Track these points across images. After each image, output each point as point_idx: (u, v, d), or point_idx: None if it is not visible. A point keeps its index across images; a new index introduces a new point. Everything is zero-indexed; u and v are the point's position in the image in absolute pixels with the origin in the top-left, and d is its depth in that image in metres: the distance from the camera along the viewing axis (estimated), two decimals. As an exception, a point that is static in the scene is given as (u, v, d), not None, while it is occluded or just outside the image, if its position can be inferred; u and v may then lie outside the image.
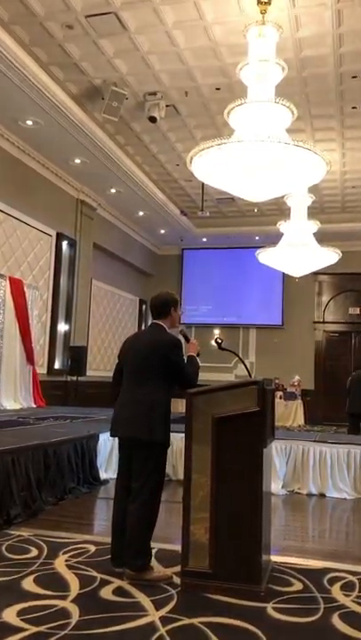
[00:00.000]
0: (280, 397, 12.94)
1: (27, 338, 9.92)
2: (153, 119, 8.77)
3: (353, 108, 8.81)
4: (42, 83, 8.02)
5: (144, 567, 3.39)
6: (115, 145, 10.31)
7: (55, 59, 7.78)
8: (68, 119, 8.96)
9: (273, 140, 5.61)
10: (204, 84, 8.31)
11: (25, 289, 9.97)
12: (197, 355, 3.76)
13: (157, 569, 3.48)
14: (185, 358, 3.63)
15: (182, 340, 3.70)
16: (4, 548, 3.93)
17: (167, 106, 8.81)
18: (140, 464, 3.47)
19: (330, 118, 9.17)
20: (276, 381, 13.18)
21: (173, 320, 3.73)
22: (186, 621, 2.84)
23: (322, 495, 6.13)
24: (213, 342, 4.11)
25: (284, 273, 12.88)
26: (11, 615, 2.85)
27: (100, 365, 13.51)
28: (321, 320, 15.58)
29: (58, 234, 11.26)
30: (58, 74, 8.15)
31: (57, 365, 11.22)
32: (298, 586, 3.40)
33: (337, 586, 3.42)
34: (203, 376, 3.69)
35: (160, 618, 2.88)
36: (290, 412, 12.94)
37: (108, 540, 4.01)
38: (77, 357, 11.46)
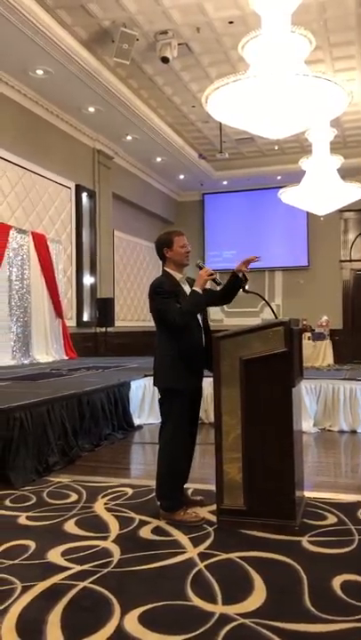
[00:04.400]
0: (308, 338, 12.89)
1: (54, 292, 10.02)
2: (165, 59, 8.48)
3: (374, 32, 8.37)
4: (49, 29, 7.78)
5: (171, 508, 3.48)
6: (128, 89, 10.03)
7: (61, 1, 7.51)
8: (78, 66, 8.72)
9: (291, 73, 5.39)
10: (217, 18, 7.95)
11: (48, 243, 9.99)
12: (217, 282, 3.62)
13: (192, 510, 3.55)
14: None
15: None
16: (45, 494, 4.09)
17: (179, 44, 8.48)
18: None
19: (350, 45, 8.73)
20: (304, 322, 13.12)
21: (175, 259, 3.59)
22: (223, 556, 2.94)
23: (353, 432, 6.18)
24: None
25: (308, 212, 12.65)
26: (55, 556, 2.98)
27: (128, 316, 13.60)
28: (348, 259, 15.31)
29: (77, 186, 11.15)
30: (65, 18, 7.88)
31: (85, 317, 11.34)
32: (332, 519, 3.47)
33: (371, 518, 3.48)
34: (230, 321, 3.65)
35: (198, 554, 2.98)
36: (319, 353, 12.89)
37: (145, 482, 4.15)
38: (105, 309, 11.55)
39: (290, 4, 5.66)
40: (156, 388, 3.72)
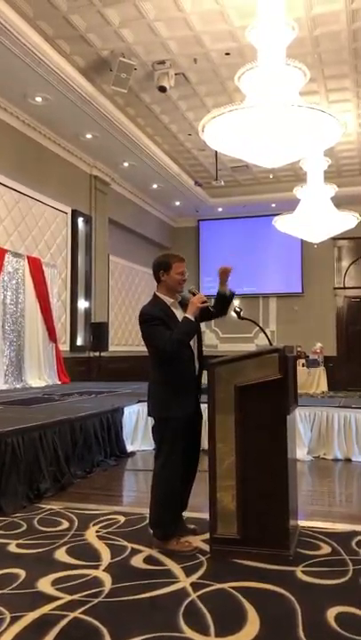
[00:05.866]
0: (302, 365, 12.89)
1: (48, 316, 10.00)
2: (163, 89, 8.61)
3: (367, 65, 8.55)
4: (49, 57, 7.91)
5: (164, 537, 3.41)
6: (125, 117, 10.17)
7: (61, 32, 7.65)
8: (76, 93, 8.85)
9: (286, 104, 5.49)
10: (214, 50, 8.12)
11: (43, 267, 10.01)
12: (210, 309, 3.54)
13: (185, 539, 3.49)
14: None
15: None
16: (35, 521, 4.03)
17: (176, 74, 8.63)
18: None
19: (344, 78, 8.92)
20: (298, 349, 13.13)
21: (168, 284, 3.51)
22: (216, 586, 2.89)
23: (348, 460, 6.15)
24: (233, 312, 4.04)
25: (302, 240, 12.76)
26: (45, 585, 2.93)
27: (122, 340, 13.58)
28: (341, 286, 15.40)
29: (73, 211, 11.23)
30: (64, 47, 8.02)
31: (79, 342, 11.31)
32: (326, 549, 3.43)
33: (365, 548, 3.44)
34: (224, 347, 3.63)
35: (191, 584, 2.93)
36: (313, 380, 12.89)
37: (137, 510, 4.10)
38: (99, 333, 11.53)
39: (285, 37, 5.79)
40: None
